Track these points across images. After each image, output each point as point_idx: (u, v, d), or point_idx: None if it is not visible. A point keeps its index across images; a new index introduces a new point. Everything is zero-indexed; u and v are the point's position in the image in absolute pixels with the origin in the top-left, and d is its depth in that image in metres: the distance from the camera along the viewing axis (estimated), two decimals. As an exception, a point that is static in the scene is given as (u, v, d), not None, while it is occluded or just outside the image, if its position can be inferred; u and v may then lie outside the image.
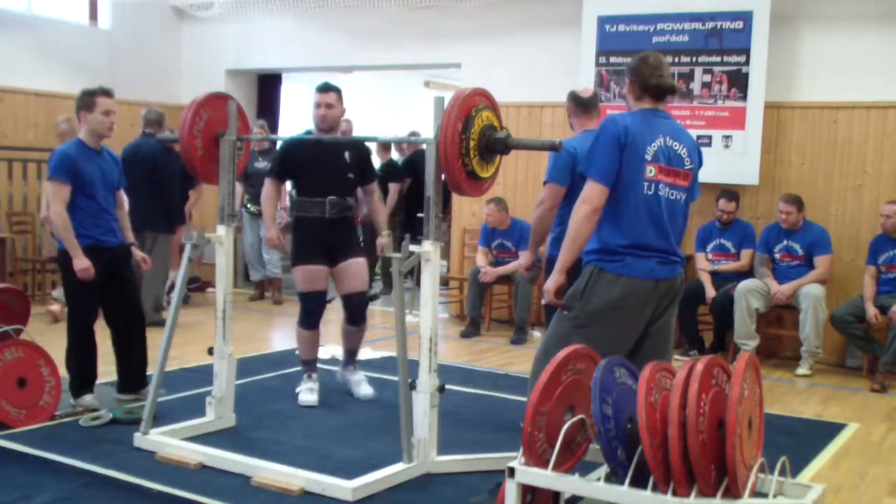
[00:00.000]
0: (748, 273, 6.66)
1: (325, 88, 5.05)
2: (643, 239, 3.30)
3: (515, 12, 7.81)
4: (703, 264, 6.77)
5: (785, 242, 6.55)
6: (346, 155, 5.11)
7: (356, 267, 5.08)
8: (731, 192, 6.76)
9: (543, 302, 3.48)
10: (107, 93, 4.64)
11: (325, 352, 6.42)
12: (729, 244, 6.83)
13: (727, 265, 6.77)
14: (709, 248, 6.86)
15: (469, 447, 4.20)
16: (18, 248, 8.25)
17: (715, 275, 6.73)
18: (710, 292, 6.60)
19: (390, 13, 8.23)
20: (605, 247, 3.33)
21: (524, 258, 5.10)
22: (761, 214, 6.97)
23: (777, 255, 6.59)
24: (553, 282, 3.37)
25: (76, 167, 4.55)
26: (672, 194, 3.36)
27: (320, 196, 4.99)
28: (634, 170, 3.28)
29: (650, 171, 3.29)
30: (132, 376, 4.90)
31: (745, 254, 6.77)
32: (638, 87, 3.40)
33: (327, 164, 5.05)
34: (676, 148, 3.36)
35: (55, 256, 5.00)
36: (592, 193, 3.28)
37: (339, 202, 5.01)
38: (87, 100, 4.59)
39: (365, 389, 5.22)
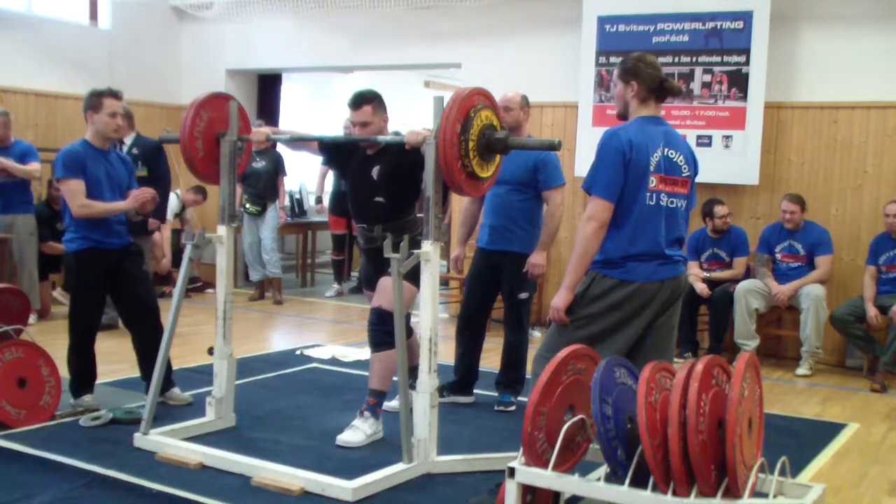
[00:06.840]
0: (742, 281, 6.61)
1: (356, 103, 4.18)
2: (645, 248, 3.31)
3: (515, 12, 7.81)
4: (696, 271, 6.72)
5: (787, 242, 6.54)
6: (375, 171, 4.21)
7: (383, 282, 4.21)
8: (718, 200, 6.72)
9: (549, 318, 3.43)
10: (115, 94, 4.64)
11: (324, 351, 6.43)
12: (723, 253, 6.80)
13: (721, 273, 6.74)
14: (703, 257, 6.84)
15: (469, 447, 4.20)
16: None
17: (709, 282, 6.69)
18: (704, 289, 6.55)
19: (390, 13, 8.23)
20: (607, 258, 3.33)
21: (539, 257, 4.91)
22: (761, 214, 6.96)
23: (778, 256, 6.58)
24: (562, 300, 3.34)
25: (84, 165, 4.55)
26: (672, 202, 3.36)
27: (356, 221, 4.39)
28: (638, 183, 3.27)
29: (652, 181, 3.29)
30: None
31: (739, 262, 6.74)
32: (645, 88, 3.36)
33: (353, 183, 4.35)
34: (674, 156, 3.36)
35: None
36: (598, 210, 3.28)
37: (366, 233, 4.33)
38: (95, 100, 4.60)
39: (343, 434, 4.24)
